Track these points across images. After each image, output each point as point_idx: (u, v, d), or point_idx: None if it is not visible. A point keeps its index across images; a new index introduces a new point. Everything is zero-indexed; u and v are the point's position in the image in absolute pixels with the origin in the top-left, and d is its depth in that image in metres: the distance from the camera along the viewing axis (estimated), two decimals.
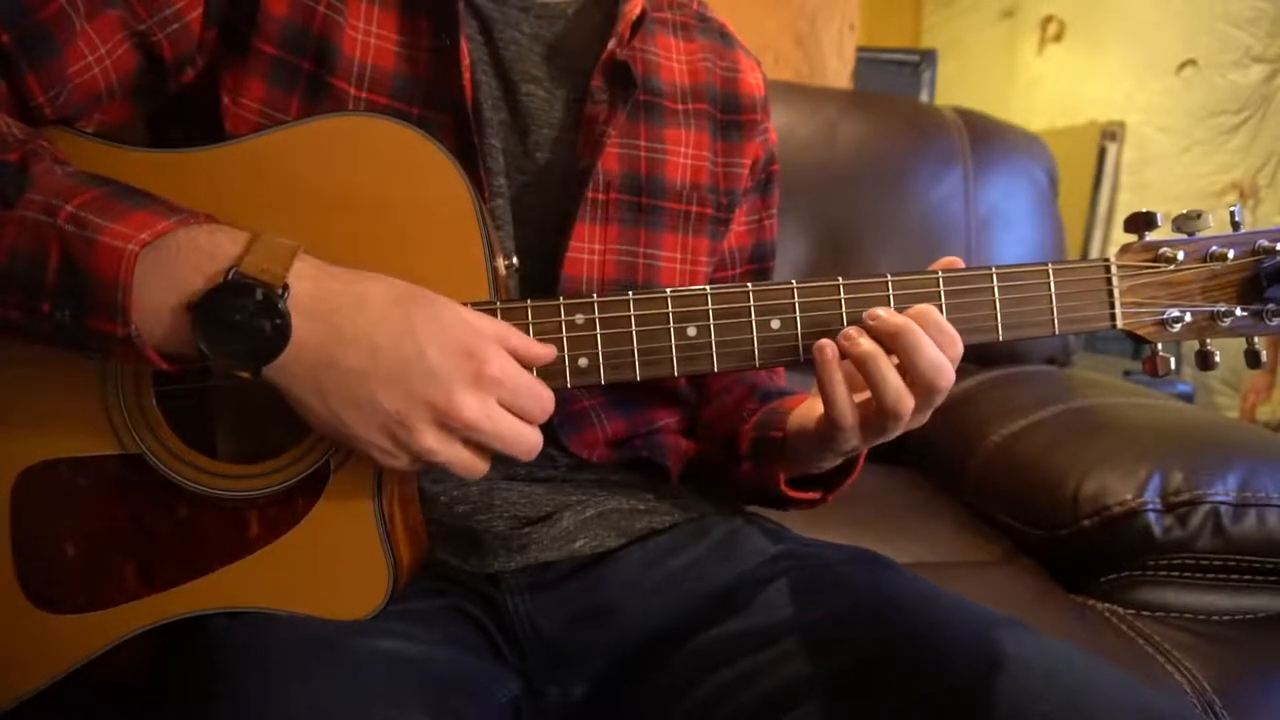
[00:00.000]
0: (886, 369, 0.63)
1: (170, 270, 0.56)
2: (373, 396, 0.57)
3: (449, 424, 0.58)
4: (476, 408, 0.58)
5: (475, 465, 0.61)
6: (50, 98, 0.61)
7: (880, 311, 0.64)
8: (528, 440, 0.61)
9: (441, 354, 0.58)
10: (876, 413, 0.64)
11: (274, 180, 0.62)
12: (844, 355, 0.64)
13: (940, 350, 0.63)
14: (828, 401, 0.65)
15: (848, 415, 0.65)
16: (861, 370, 0.63)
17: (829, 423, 0.66)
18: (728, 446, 0.82)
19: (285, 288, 0.56)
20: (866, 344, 0.63)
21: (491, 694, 0.66)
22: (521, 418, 0.61)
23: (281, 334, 0.56)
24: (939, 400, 0.64)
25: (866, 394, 0.65)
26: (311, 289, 0.57)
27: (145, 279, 0.55)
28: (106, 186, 0.57)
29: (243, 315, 0.55)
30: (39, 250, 0.55)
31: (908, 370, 0.63)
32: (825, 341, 0.64)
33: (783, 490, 0.77)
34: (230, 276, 0.56)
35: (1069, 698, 0.57)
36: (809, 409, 0.73)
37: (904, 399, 0.63)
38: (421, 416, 0.57)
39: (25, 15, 0.60)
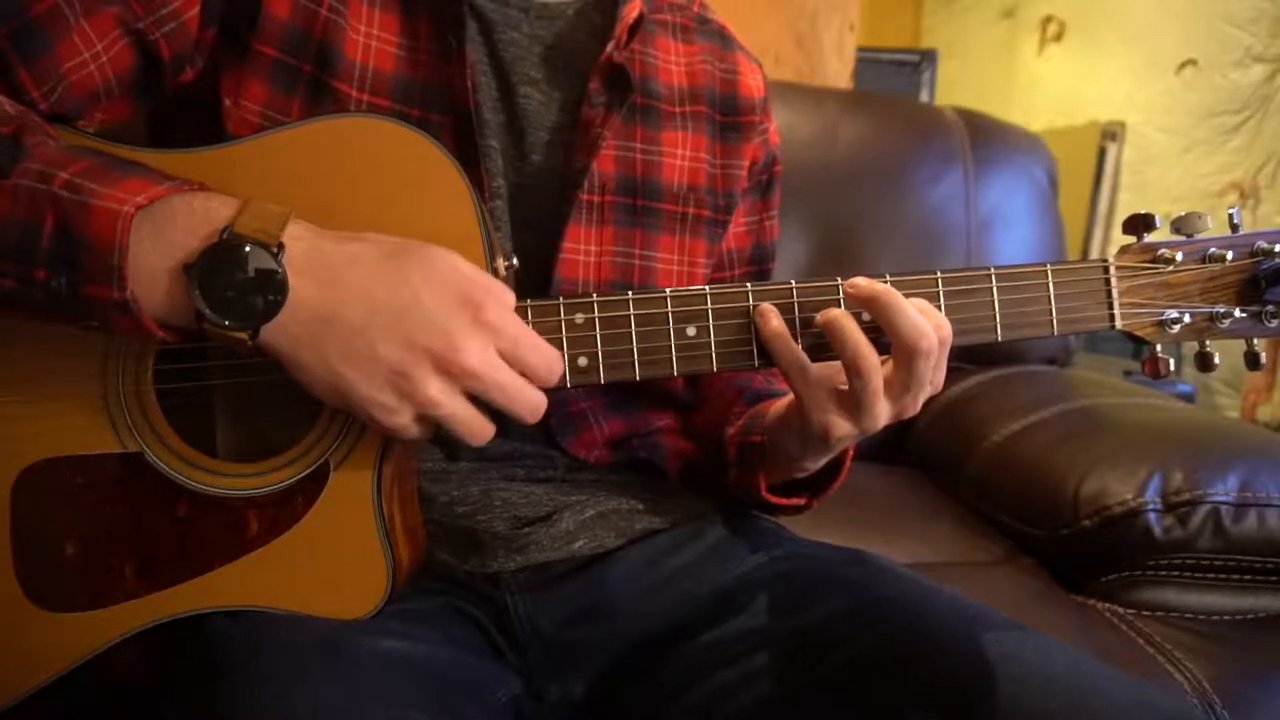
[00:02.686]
0: (848, 326, 0.63)
1: (165, 233, 0.56)
2: (372, 349, 0.57)
3: (450, 370, 0.57)
4: (478, 353, 0.57)
5: (479, 424, 0.60)
6: (44, 93, 0.62)
7: (859, 280, 0.64)
8: (530, 398, 0.60)
9: (438, 300, 0.57)
10: (846, 376, 0.64)
11: (275, 181, 0.62)
12: (814, 325, 0.64)
13: (921, 317, 0.62)
14: (778, 357, 0.65)
15: (800, 362, 0.64)
16: (826, 332, 0.64)
17: (791, 385, 0.65)
18: (717, 453, 0.81)
19: (281, 246, 0.56)
20: (831, 310, 0.64)
21: (491, 694, 0.66)
22: (525, 374, 0.60)
23: (279, 292, 0.56)
24: (923, 371, 0.63)
25: (844, 388, 0.65)
26: (306, 248, 0.57)
27: (140, 243, 0.55)
28: (100, 156, 0.58)
29: (240, 274, 0.55)
30: (34, 217, 0.54)
31: (886, 333, 0.63)
32: (765, 306, 0.65)
33: (764, 496, 0.77)
34: (226, 236, 0.56)
35: (1069, 695, 0.57)
36: (786, 405, 0.73)
37: (862, 357, 0.62)
38: (423, 365, 0.57)
39: (18, 11, 0.60)
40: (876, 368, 0.63)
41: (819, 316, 0.64)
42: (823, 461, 0.73)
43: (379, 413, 0.58)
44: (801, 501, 0.78)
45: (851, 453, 0.75)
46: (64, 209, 0.54)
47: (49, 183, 0.55)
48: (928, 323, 0.62)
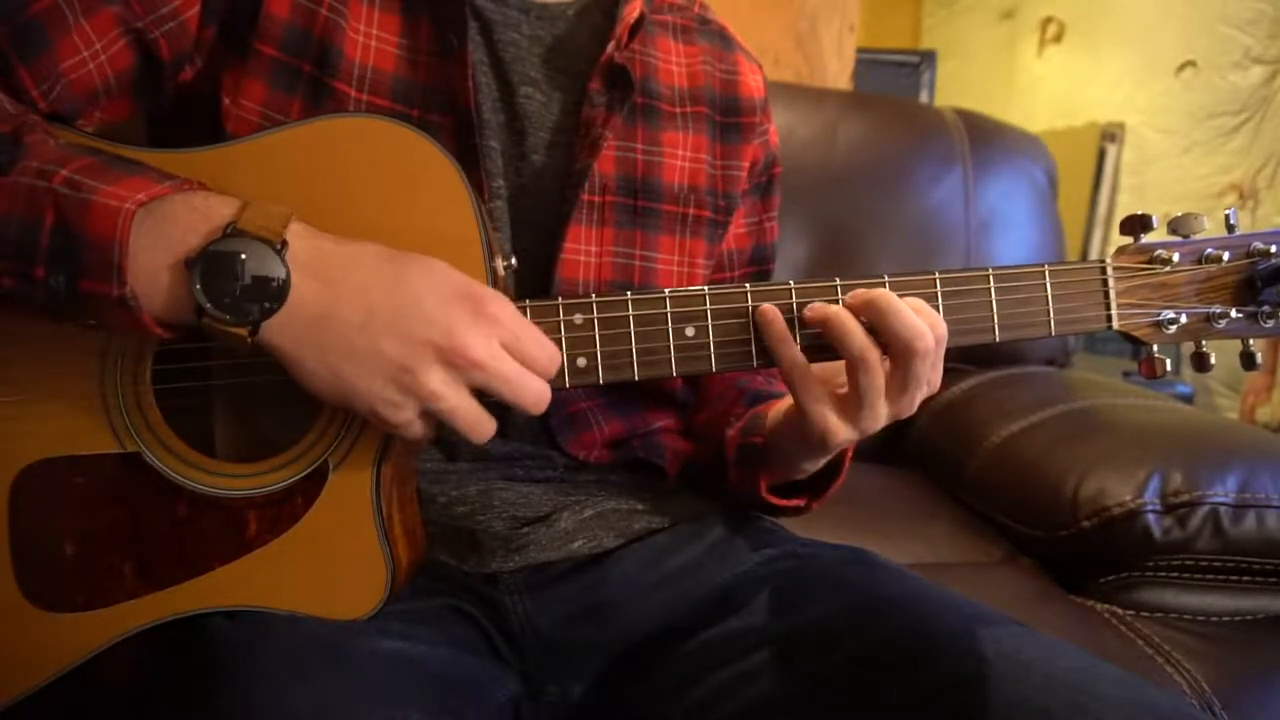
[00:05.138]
0: (850, 324, 0.63)
1: (166, 231, 0.56)
2: (374, 345, 0.57)
3: (454, 361, 0.57)
4: (481, 343, 0.58)
5: (481, 419, 0.60)
6: (43, 92, 0.62)
7: (857, 292, 0.65)
8: (534, 388, 0.60)
9: (437, 299, 0.57)
10: (849, 373, 0.64)
11: (274, 181, 0.63)
12: (810, 325, 0.64)
13: (918, 318, 0.62)
14: (780, 359, 0.64)
15: (801, 364, 0.64)
16: (826, 331, 0.63)
17: (791, 387, 0.65)
18: (717, 454, 0.81)
19: (284, 243, 0.56)
20: (829, 307, 0.64)
21: (490, 694, 0.66)
22: (526, 365, 0.60)
23: (281, 289, 0.56)
24: (920, 371, 0.63)
25: (842, 390, 0.65)
26: (307, 247, 0.57)
27: (141, 240, 0.55)
28: (100, 155, 0.58)
29: (242, 271, 0.55)
30: (33, 214, 0.55)
31: (883, 335, 0.63)
32: (767, 307, 0.64)
33: (765, 497, 0.77)
34: (229, 233, 0.56)
35: (1068, 693, 0.57)
36: (786, 407, 0.73)
37: (869, 351, 0.62)
38: (426, 357, 0.57)
39: (17, 10, 0.61)
40: (878, 363, 0.63)
41: (809, 312, 0.64)
42: (821, 463, 0.73)
43: (383, 408, 0.58)
44: (801, 503, 0.78)
45: (850, 454, 0.75)
46: (64, 206, 0.54)
47: (49, 180, 0.55)
48: (924, 323, 0.62)
